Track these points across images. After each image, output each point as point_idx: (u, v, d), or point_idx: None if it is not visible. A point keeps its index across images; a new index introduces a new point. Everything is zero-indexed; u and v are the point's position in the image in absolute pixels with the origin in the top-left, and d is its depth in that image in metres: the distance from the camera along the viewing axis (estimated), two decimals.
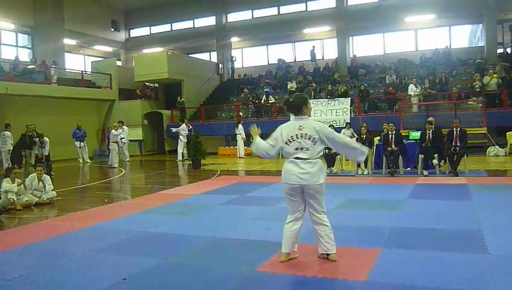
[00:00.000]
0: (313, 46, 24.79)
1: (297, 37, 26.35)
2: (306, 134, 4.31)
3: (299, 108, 4.42)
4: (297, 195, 4.40)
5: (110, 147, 17.20)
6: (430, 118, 12.52)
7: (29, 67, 21.52)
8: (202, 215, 7.14)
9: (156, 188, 11.06)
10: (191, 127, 19.21)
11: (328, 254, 4.48)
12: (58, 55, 23.84)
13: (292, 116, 4.57)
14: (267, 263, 4.53)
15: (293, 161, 4.36)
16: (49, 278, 4.39)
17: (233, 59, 27.57)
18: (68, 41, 25.33)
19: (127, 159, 18.31)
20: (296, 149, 4.34)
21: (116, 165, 16.49)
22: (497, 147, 14.88)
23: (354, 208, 7.25)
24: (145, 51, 28.37)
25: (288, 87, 21.87)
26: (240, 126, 18.72)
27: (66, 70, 23.88)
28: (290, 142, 4.36)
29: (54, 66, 21.33)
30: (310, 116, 4.55)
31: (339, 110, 17.39)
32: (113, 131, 17.25)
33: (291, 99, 4.56)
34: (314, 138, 4.31)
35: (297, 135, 4.33)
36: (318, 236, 4.47)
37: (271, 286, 3.98)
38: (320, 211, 4.41)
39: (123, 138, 18.29)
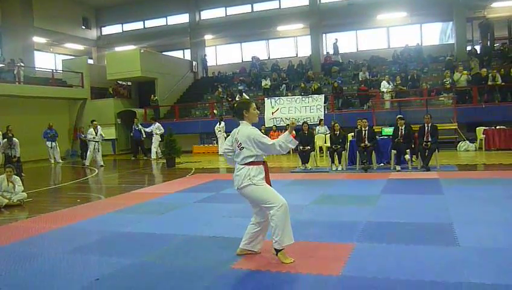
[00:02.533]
0: (336, 39, 24.01)
1: (271, 35, 26.35)
2: (237, 139, 4.47)
3: (239, 113, 4.57)
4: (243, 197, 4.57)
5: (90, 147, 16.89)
6: (400, 116, 12.74)
7: None
8: (176, 214, 7.09)
9: (129, 187, 10.92)
10: (140, 127, 19.25)
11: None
12: (27, 54, 23.34)
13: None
14: (242, 260, 4.53)
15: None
16: (19, 281, 4.30)
17: (205, 57, 27.33)
18: (38, 39, 24.82)
19: (101, 164, 17.73)
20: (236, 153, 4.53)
21: (100, 164, 16.39)
22: (467, 142, 15.21)
23: (328, 204, 7.31)
24: (118, 48, 27.96)
25: (262, 85, 21.90)
26: (223, 123, 18.68)
27: (36, 69, 23.38)
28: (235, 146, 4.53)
29: (20, 65, 20.79)
30: (254, 121, 4.65)
31: (313, 107, 17.50)
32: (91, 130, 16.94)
33: (235, 105, 4.70)
34: (240, 143, 4.43)
35: (235, 139, 4.51)
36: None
37: (245, 283, 3.98)
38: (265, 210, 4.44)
39: (94, 137, 18.02)
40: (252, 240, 4.61)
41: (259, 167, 4.44)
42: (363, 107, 18.31)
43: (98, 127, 17.04)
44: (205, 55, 27.32)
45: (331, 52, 24.35)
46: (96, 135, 16.68)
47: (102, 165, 16.27)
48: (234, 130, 4.61)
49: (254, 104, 4.75)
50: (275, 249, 4.40)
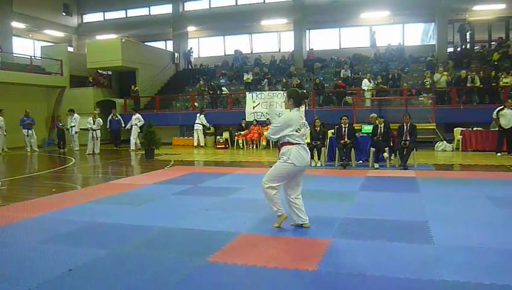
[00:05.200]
0: (374, 31, 23.61)
1: (254, 29, 26.30)
2: (304, 123, 5.23)
3: (300, 101, 5.28)
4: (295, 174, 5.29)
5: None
6: (373, 114, 12.89)
7: None
8: (153, 206, 7.02)
9: (106, 177, 10.80)
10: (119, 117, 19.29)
11: (301, 224, 5.33)
12: (5, 39, 22.86)
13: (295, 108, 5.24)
14: (218, 253, 4.50)
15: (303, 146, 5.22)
16: None
17: (191, 51, 27.15)
18: (16, 24, 24.31)
19: (76, 149, 17.87)
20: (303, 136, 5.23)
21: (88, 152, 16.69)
22: (445, 142, 15.41)
23: (306, 199, 7.24)
24: (99, 37, 27.51)
25: (244, 79, 21.86)
26: (202, 116, 18.65)
27: (14, 55, 22.88)
28: (300, 129, 5.17)
29: None
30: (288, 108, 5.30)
31: None
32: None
33: (303, 92, 5.42)
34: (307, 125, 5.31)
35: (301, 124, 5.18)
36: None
37: (221, 276, 3.95)
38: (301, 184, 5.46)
39: (74, 126, 17.84)
40: (302, 210, 5.36)
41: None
42: (339, 104, 18.45)
43: (75, 115, 16.82)
44: (191, 49, 26.98)
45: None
46: (94, 124, 16.87)
47: (97, 153, 16.61)
48: (291, 115, 5.18)
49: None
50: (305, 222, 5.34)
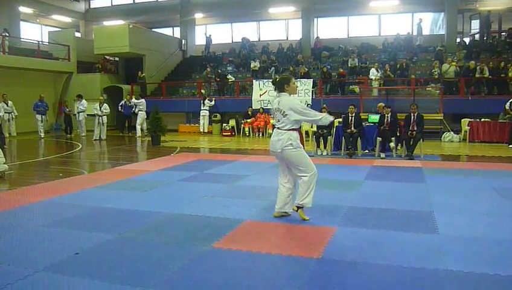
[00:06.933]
0: (420, 19, 22.76)
1: (262, 16, 26.12)
2: (279, 108, 5.13)
3: (281, 87, 5.22)
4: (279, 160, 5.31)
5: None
6: (380, 104, 12.78)
7: None
8: (159, 192, 7.05)
9: (113, 163, 10.85)
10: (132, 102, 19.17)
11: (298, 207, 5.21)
12: (13, 24, 22.79)
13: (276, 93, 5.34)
14: (223, 239, 4.53)
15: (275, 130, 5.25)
16: None
17: (210, 38, 26.69)
18: (24, 9, 24.27)
19: (83, 134, 17.97)
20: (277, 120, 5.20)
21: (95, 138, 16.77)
22: (452, 133, 15.33)
23: None
24: (106, 23, 27.40)
25: (251, 66, 21.77)
26: (207, 101, 18.69)
27: (22, 40, 22.89)
28: (274, 115, 5.26)
29: (5, 34, 20.36)
30: (294, 93, 5.31)
31: (301, 91, 17.44)
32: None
33: (276, 79, 5.39)
34: (283, 111, 5.07)
35: (277, 108, 5.17)
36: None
37: (225, 262, 3.97)
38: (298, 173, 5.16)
39: (82, 112, 17.90)
40: (285, 203, 5.26)
41: (297, 133, 5.14)
42: (343, 93, 18.43)
43: (83, 101, 16.84)
44: (210, 36, 26.65)
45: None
46: (100, 110, 16.97)
47: (104, 139, 16.73)
48: (274, 100, 5.31)
49: (293, 78, 5.41)
50: (297, 206, 5.17)
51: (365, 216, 5.46)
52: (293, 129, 5.09)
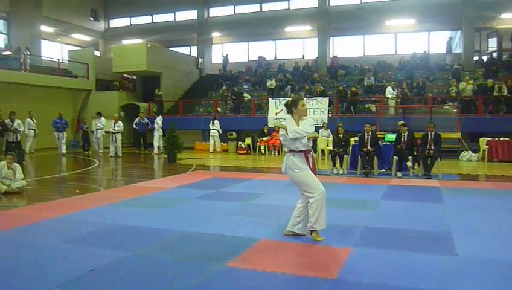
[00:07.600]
0: (450, 38, 23.40)
1: (278, 35, 26.34)
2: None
3: (289, 109, 5.30)
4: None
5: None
6: (400, 122, 12.64)
7: (4, 53, 21.00)
8: (175, 209, 7.06)
9: (129, 180, 10.91)
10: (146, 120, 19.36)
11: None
12: (34, 42, 23.33)
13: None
14: (237, 258, 4.49)
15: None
16: (12, 269, 4.26)
17: (227, 57, 26.93)
18: (45, 28, 24.81)
19: (100, 151, 18.17)
20: None
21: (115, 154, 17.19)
22: (470, 152, 15.12)
23: (328, 207, 7.19)
24: (124, 42, 27.95)
25: (267, 85, 21.87)
26: (216, 121, 18.75)
27: (43, 58, 23.37)
28: None
29: (26, 53, 20.78)
30: (303, 115, 5.29)
31: (317, 109, 17.44)
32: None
33: (288, 102, 5.43)
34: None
35: None
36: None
37: (240, 281, 3.94)
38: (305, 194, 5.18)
39: (101, 128, 18.14)
40: (295, 223, 5.28)
41: (296, 154, 5.17)
42: (356, 112, 18.39)
43: (102, 119, 17.08)
44: (227, 55, 26.91)
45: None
46: (113, 127, 17.31)
47: (120, 156, 16.98)
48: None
49: (303, 101, 5.39)
50: (310, 230, 5.13)
51: (382, 236, 5.39)
52: (291, 151, 5.20)
